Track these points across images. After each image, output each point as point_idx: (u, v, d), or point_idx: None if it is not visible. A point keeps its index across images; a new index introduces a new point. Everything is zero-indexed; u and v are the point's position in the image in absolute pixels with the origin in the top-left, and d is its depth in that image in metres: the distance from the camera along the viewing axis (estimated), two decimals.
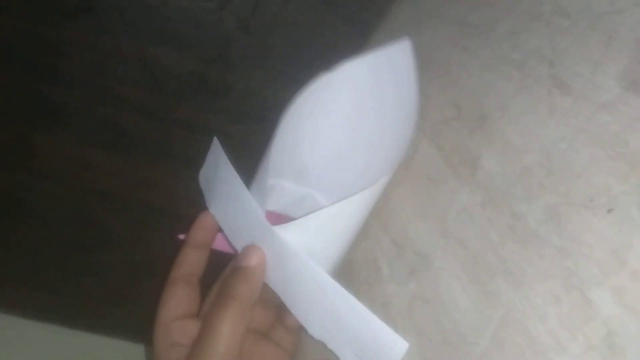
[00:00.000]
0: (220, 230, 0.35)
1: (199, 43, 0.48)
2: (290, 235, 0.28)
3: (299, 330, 0.33)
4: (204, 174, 0.37)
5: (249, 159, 0.54)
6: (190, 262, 0.34)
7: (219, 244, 0.42)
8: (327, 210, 0.29)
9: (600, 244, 0.20)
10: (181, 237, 0.57)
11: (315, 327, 0.28)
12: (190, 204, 0.58)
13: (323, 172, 0.37)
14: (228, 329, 0.27)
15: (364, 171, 0.35)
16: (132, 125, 0.52)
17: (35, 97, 0.51)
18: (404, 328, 0.28)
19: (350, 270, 0.35)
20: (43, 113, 0.52)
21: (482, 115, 0.28)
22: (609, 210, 0.20)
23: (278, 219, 0.39)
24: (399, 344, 0.24)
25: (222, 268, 0.36)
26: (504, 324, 0.22)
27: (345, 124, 0.35)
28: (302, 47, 0.47)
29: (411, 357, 0.27)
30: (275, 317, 0.35)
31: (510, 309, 0.22)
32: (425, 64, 0.37)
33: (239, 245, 0.32)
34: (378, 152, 0.35)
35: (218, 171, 0.34)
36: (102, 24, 0.48)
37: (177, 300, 0.32)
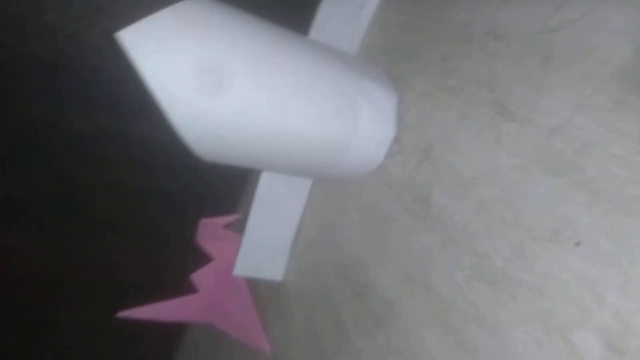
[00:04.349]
0: None
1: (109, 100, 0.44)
2: None
3: None
4: None
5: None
6: None
7: None
8: None
9: (574, 280, 0.18)
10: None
11: None
12: (107, 270, 0.54)
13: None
14: None
15: None
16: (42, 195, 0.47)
17: None
18: None
19: (312, 329, 0.33)
20: None
21: (425, 147, 0.27)
22: (577, 244, 0.18)
23: None
24: None
25: None
26: None
27: None
28: None
29: None
30: None
31: (491, 358, 0.21)
32: None
33: None
34: None
35: None
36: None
37: None
